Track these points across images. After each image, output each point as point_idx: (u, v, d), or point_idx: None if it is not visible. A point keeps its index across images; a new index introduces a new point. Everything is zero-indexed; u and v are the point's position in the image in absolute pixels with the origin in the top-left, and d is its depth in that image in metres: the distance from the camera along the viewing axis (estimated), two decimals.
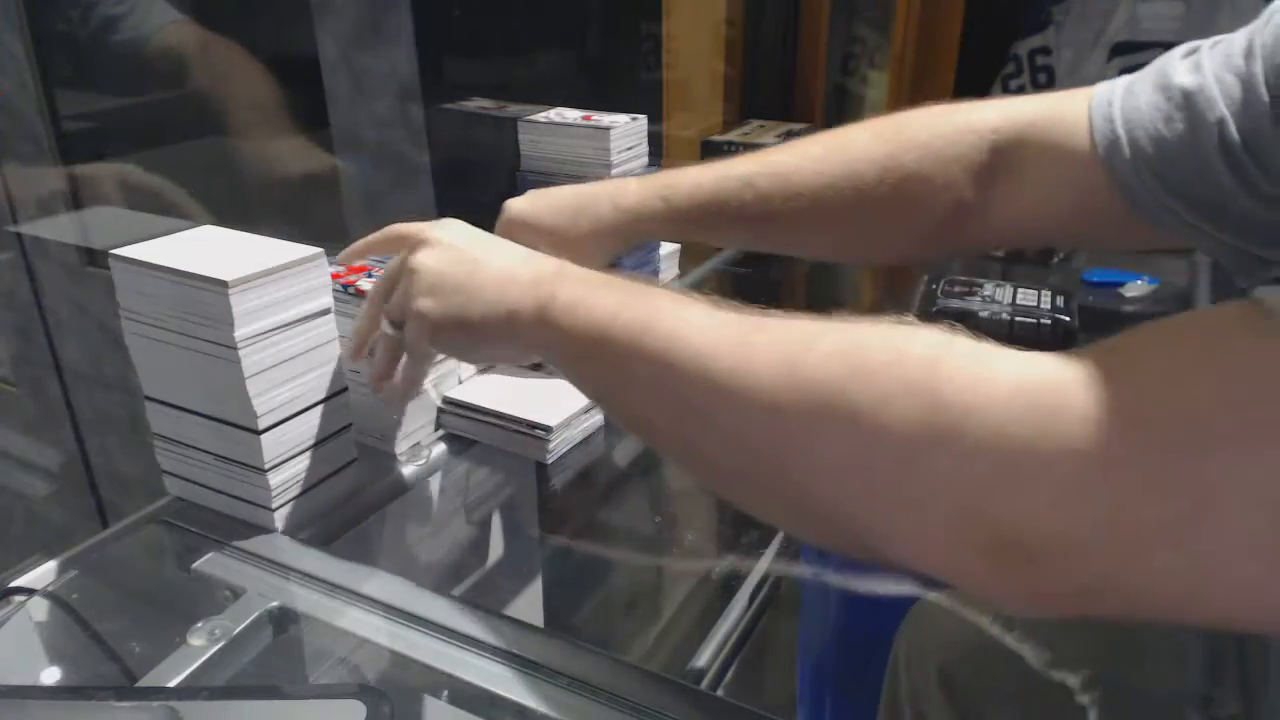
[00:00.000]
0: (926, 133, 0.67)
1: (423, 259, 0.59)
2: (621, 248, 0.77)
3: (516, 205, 0.76)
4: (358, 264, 0.74)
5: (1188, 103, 0.54)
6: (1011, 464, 0.34)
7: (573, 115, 1.02)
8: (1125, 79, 0.61)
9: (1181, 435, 0.32)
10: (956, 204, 0.67)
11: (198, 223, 0.66)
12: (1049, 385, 0.35)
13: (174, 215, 1.28)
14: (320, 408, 0.65)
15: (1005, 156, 0.65)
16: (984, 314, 0.99)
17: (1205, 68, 0.54)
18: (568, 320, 0.51)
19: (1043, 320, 0.94)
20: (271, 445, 0.62)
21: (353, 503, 0.69)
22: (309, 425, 0.64)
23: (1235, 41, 0.54)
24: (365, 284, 0.71)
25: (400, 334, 0.62)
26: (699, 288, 1.17)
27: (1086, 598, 0.35)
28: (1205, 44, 0.56)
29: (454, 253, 0.59)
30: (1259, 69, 0.51)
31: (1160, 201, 0.57)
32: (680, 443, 0.47)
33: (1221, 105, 0.52)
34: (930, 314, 1.00)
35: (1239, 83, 0.52)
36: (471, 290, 0.56)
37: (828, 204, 0.69)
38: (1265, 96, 0.50)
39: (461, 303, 0.56)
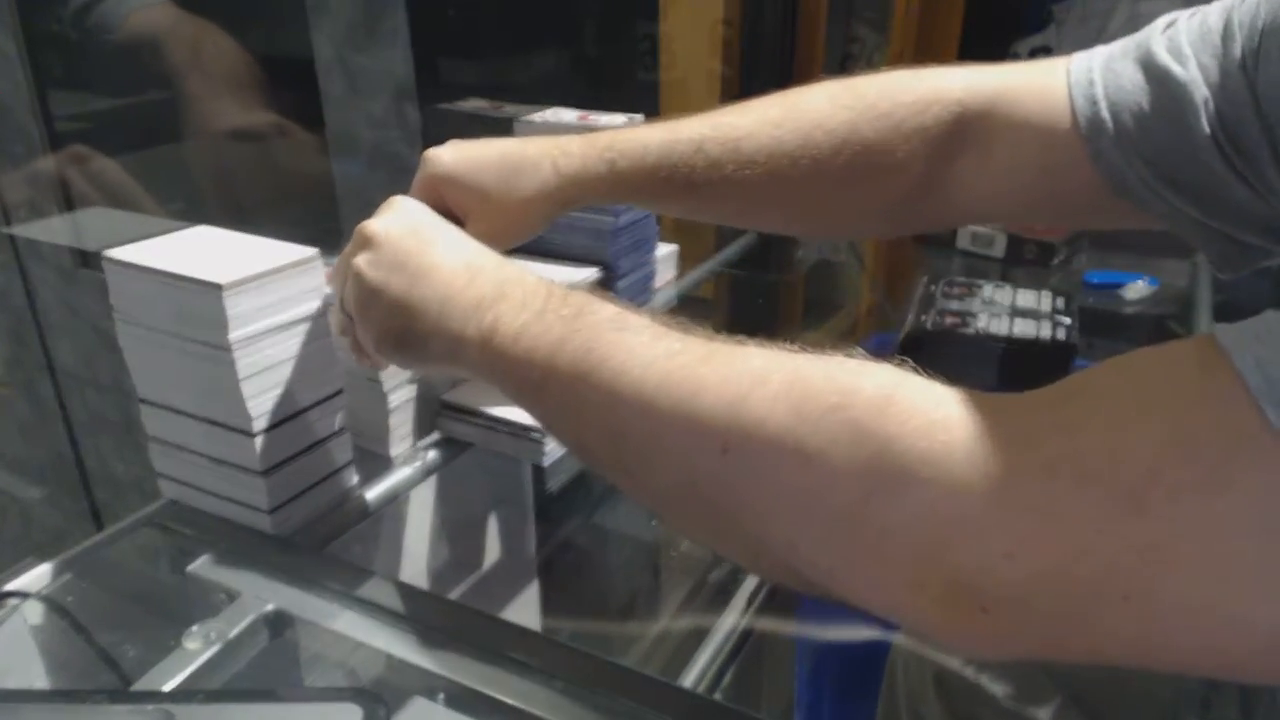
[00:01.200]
0: (888, 101, 0.63)
1: (362, 265, 0.55)
2: (558, 213, 0.70)
3: (440, 160, 0.67)
4: None
5: (1172, 85, 0.53)
6: (963, 514, 0.33)
7: (569, 115, 1.02)
8: (1102, 50, 0.59)
9: (1129, 487, 0.31)
10: (919, 179, 0.64)
11: (190, 222, 0.65)
12: (1001, 434, 0.34)
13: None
14: (315, 410, 0.64)
15: (971, 128, 0.62)
16: (982, 315, 0.98)
17: (1184, 47, 0.53)
18: (511, 352, 0.48)
19: (1041, 337, 0.94)
20: (266, 448, 0.61)
21: (348, 505, 0.68)
22: (304, 428, 0.64)
23: (1211, 17, 0.53)
24: None
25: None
26: (698, 289, 1.17)
27: (1044, 645, 0.34)
28: (1183, 15, 0.55)
29: (392, 257, 0.54)
30: (1237, 52, 0.50)
31: (1147, 184, 0.55)
32: (624, 476, 0.46)
33: (1205, 89, 0.51)
34: (930, 313, 1.00)
35: (1218, 66, 0.51)
36: (411, 309, 0.53)
37: (782, 175, 0.65)
38: (1245, 82, 0.49)
39: (402, 325, 0.53)
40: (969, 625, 0.34)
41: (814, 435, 0.36)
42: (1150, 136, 0.55)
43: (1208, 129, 0.51)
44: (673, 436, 0.41)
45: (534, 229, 0.69)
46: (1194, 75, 0.52)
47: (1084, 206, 0.62)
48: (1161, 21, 0.56)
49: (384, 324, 0.54)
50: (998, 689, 0.75)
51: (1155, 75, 0.54)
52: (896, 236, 1.10)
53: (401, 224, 0.56)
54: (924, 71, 0.64)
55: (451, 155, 0.67)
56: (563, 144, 0.68)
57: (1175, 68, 0.53)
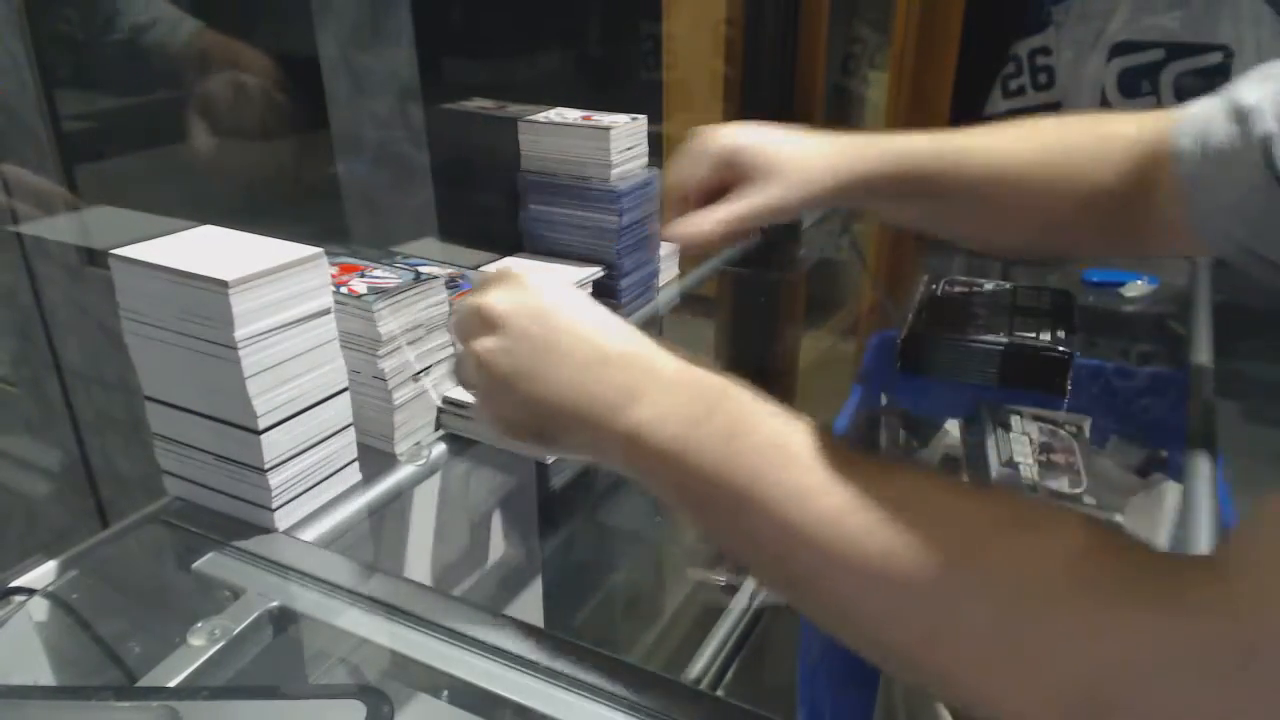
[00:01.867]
0: (1102, 144, 0.69)
1: (488, 352, 0.51)
2: (830, 201, 0.74)
3: (730, 133, 0.72)
4: (350, 264, 0.75)
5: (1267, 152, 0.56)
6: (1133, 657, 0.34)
7: (573, 115, 1.02)
8: (1203, 107, 0.63)
9: None
10: (1153, 209, 0.67)
11: (197, 222, 0.66)
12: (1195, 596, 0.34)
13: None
14: (320, 407, 0.65)
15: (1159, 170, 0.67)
16: (983, 314, 0.99)
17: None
18: (663, 469, 0.46)
19: (1041, 336, 0.94)
20: (271, 445, 0.62)
21: (353, 502, 0.69)
22: (309, 425, 0.64)
23: None
24: (359, 285, 0.71)
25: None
26: (700, 287, 1.17)
27: None
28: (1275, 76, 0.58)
29: (520, 342, 0.51)
30: None
31: (1242, 247, 0.60)
32: (792, 602, 0.45)
33: None
34: (930, 312, 1.00)
35: None
36: (547, 404, 0.50)
37: (1033, 193, 0.70)
38: None
39: (536, 419, 0.51)
40: None
41: (1028, 640, 0.36)
42: (1246, 205, 0.59)
43: None
44: (863, 603, 0.40)
45: (811, 204, 0.73)
46: None
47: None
48: (1256, 76, 0.60)
49: (516, 415, 0.52)
50: None
51: (1250, 140, 0.58)
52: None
53: (527, 306, 0.52)
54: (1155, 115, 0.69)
55: (741, 129, 0.73)
56: (840, 137, 0.73)
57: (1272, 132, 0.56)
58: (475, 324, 0.53)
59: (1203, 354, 0.95)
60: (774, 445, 0.44)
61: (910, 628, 0.39)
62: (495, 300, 0.52)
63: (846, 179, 0.72)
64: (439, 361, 0.76)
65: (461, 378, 0.56)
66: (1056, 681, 0.35)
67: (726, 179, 0.72)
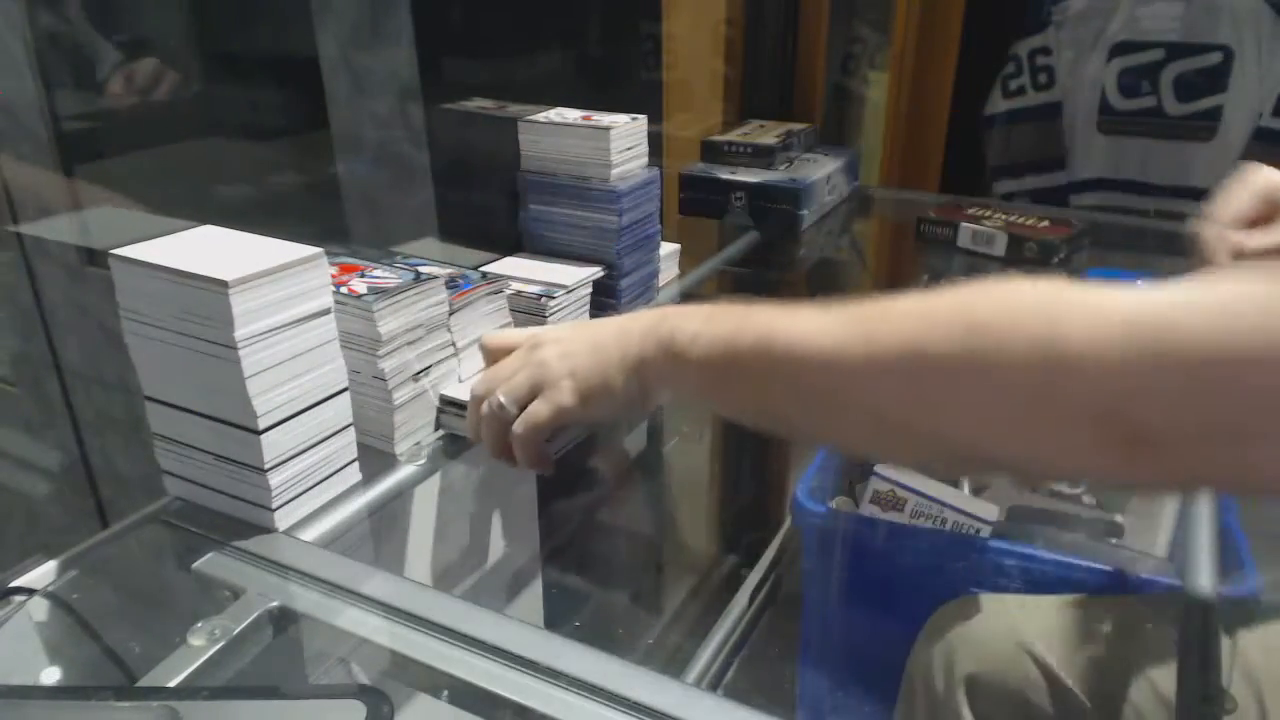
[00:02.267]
0: None
1: (545, 353, 0.65)
2: None
3: None
4: (350, 264, 0.75)
5: None
6: (1136, 378, 0.39)
7: (573, 115, 1.02)
8: None
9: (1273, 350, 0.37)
10: None
11: (197, 222, 0.66)
12: (1161, 311, 0.40)
13: None
14: (320, 407, 0.65)
15: None
16: None
17: None
18: (694, 352, 0.56)
19: None
20: (271, 445, 0.62)
21: (353, 502, 0.69)
22: (309, 425, 0.64)
23: None
24: (359, 285, 0.71)
25: (507, 412, 0.66)
26: (700, 288, 1.17)
27: (1205, 473, 0.42)
28: None
29: (570, 333, 0.66)
30: None
31: None
32: (822, 432, 0.56)
33: None
34: None
35: None
36: (598, 365, 0.62)
37: None
38: None
39: (595, 379, 0.63)
40: (1145, 465, 0.41)
41: (988, 346, 0.43)
42: None
43: None
44: (859, 382, 0.48)
45: None
46: None
47: None
48: None
49: (579, 389, 0.63)
50: (1033, 694, 0.77)
51: None
52: None
53: (557, 328, 0.69)
54: None
55: None
56: None
57: None
58: (530, 345, 0.67)
59: None
60: (776, 311, 0.53)
61: (955, 404, 0.45)
62: (538, 333, 0.69)
63: None
64: (439, 361, 0.76)
65: (518, 384, 0.66)
66: (1088, 404, 0.40)
67: (1266, 214, 0.76)
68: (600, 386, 0.63)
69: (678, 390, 0.60)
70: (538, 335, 0.68)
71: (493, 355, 0.72)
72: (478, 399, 0.68)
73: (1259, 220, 0.76)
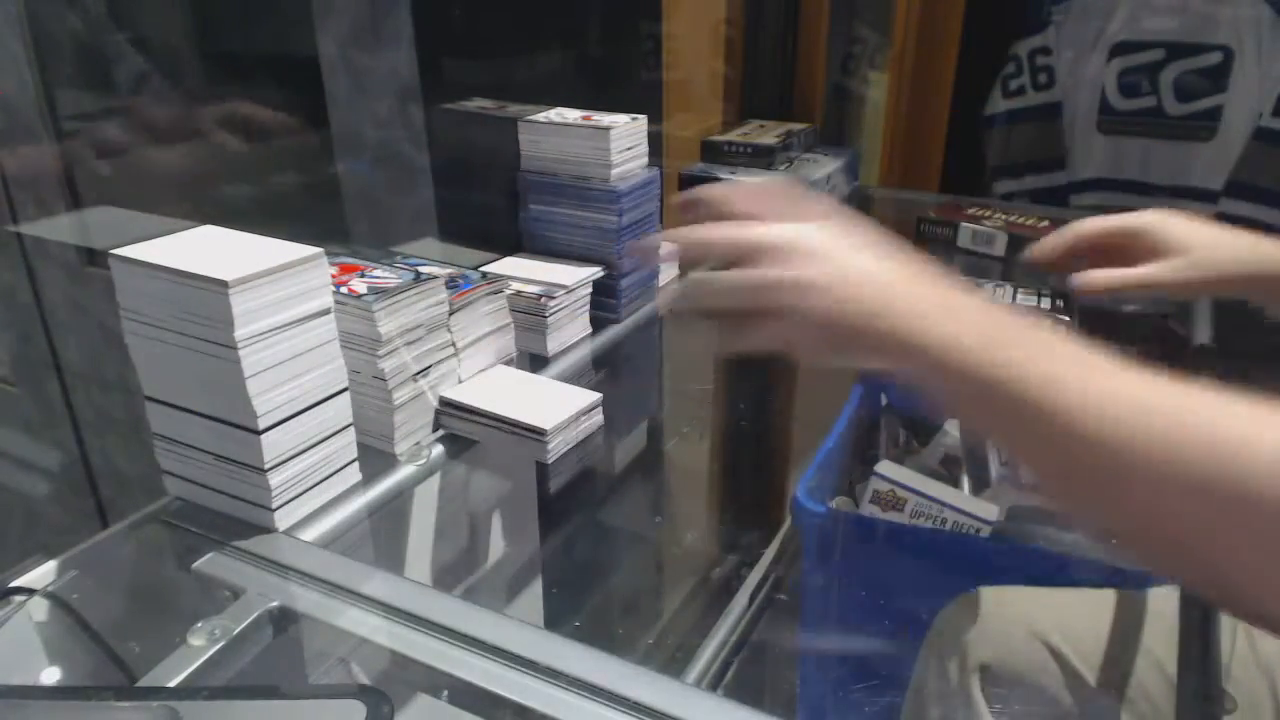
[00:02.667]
0: None
1: (816, 238, 0.55)
2: (1222, 291, 0.79)
3: (1154, 215, 0.79)
4: (350, 264, 0.75)
5: None
6: None
7: (573, 115, 1.02)
8: None
9: None
10: None
11: (197, 222, 0.66)
12: None
13: None
14: (320, 407, 0.65)
15: None
16: None
17: None
18: (974, 369, 0.48)
19: None
20: (271, 445, 0.62)
21: (353, 502, 0.69)
22: (309, 425, 0.64)
23: None
24: (359, 285, 0.71)
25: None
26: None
27: None
28: None
29: (841, 235, 0.55)
30: None
31: None
32: (1075, 503, 0.48)
33: None
34: None
35: None
36: (873, 288, 0.52)
37: None
38: None
39: (856, 319, 0.52)
40: None
41: None
42: None
43: None
44: (1153, 483, 0.42)
45: (1210, 288, 0.78)
46: None
47: None
48: None
49: (836, 315, 0.53)
50: (1047, 680, 0.77)
51: None
52: None
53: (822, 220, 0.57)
54: None
55: (1157, 214, 0.79)
56: (1251, 235, 0.77)
57: None
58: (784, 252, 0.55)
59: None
60: (1081, 358, 0.47)
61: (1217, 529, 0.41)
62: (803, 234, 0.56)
63: (1253, 270, 0.76)
64: (439, 362, 0.76)
65: (754, 283, 0.57)
66: None
67: (1124, 245, 0.78)
68: (857, 337, 0.52)
69: (930, 384, 0.51)
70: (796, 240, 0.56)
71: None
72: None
73: (1112, 250, 0.79)
